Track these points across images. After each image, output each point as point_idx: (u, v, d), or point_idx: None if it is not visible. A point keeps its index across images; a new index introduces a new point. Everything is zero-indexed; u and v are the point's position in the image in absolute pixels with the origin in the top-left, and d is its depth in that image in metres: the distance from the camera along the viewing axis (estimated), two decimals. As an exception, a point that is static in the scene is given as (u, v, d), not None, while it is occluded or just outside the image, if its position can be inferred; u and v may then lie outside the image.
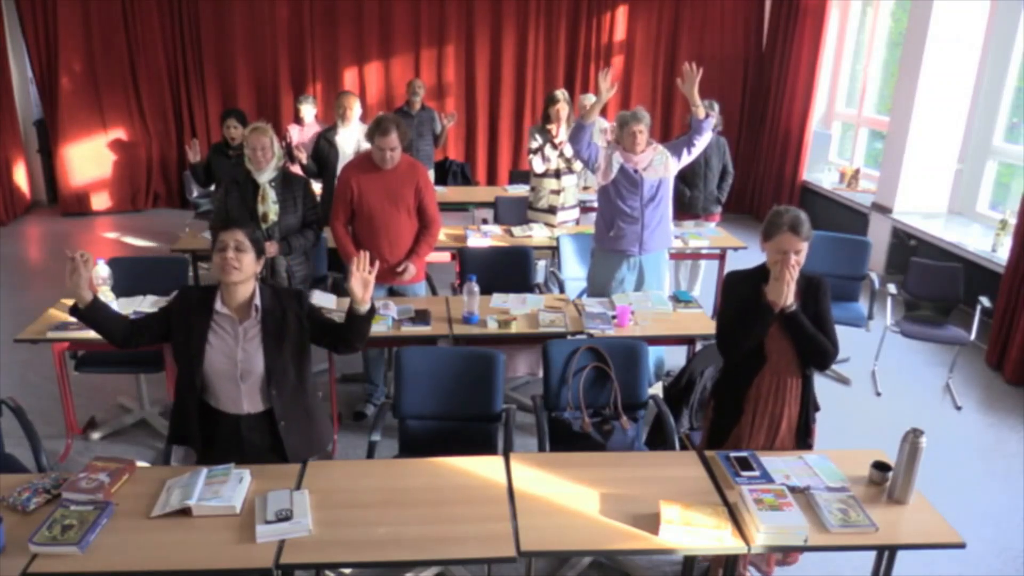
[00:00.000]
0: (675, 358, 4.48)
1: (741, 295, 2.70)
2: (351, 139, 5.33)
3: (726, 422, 2.81)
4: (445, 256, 5.13)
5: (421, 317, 3.72)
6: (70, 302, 2.49)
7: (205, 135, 8.34)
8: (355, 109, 5.37)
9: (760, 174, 8.76)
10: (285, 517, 2.20)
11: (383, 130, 3.74)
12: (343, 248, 3.95)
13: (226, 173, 4.82)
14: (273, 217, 3.82)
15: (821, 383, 2.82)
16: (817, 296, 2.69)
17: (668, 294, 4.19)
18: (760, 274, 2.71)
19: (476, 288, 3.71)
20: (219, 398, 2.56)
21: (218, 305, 2.51)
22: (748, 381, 2.74)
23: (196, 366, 2.50)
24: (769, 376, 2.72)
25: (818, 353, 2.69)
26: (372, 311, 2.55)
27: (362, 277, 2.50)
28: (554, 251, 5.06)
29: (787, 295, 2.58)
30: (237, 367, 2.50)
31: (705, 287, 5.99)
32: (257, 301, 2.53)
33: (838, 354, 2.79)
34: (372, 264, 2.53)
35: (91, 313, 2.47)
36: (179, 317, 2.54)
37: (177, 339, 2.53)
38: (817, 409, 2.85)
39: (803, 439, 2.81)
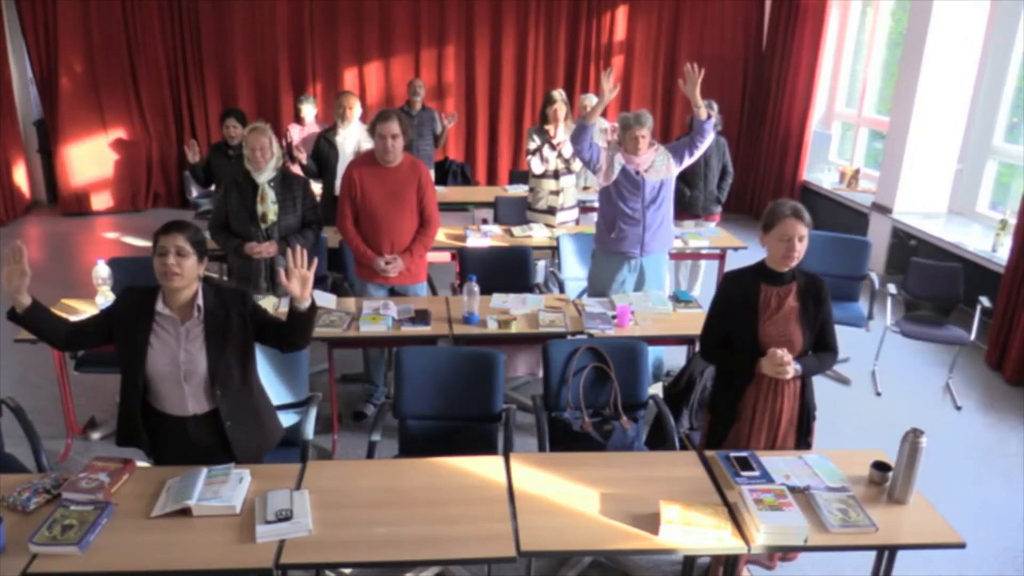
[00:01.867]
0: (675, 358, 4.48)
1: (736, 292, 2.73)
2: (351, 139, 5.33)
3: (722, 426, 2.81)
4: (445, 256, 5.14)
5: (421, 317, 3.72)
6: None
7: (205, 135, 8.34)
8: (355, 109, 5.36)
9: (760, 174, 8.76)
10: (285, 517, 2.20)
11: (385, 117, 3.80)
12: (357, 250, 3.95)
13: (226, 173, 4.81)
14: (272, 217, 3.83)
15: (821, 383, 2.82)
16: (819, 297, 2.70)
17: (668, 294, 4.20)
18: (759, 271, 2.72)
19: (476, 288, 3.71)
20: (163, 400, 2.52)
21: (159, 306, 2.46)
22: (740, 391, 2.75)
23: (139, 368, 2.46)
24: (768, 377, 2.72)
25: (823, 370, 2.81)
26: (313, 308, 2.52)
27: (300, 274, 2.45)
28: (554, 251, 5.06)
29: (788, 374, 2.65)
30: (180, 368, 2.46)
31: (705, 287, 5.99)
32: (200, 301, 2.49)
33: (838, 356, 2.80)
34: (310, 262, 2.49)
35: (30, 315, 2.40)
36: (121, 318, 2.49)
37: (119, 340, 2.49)
38: (814, 408, 2.85)
39: (803, 438, 2.81)
